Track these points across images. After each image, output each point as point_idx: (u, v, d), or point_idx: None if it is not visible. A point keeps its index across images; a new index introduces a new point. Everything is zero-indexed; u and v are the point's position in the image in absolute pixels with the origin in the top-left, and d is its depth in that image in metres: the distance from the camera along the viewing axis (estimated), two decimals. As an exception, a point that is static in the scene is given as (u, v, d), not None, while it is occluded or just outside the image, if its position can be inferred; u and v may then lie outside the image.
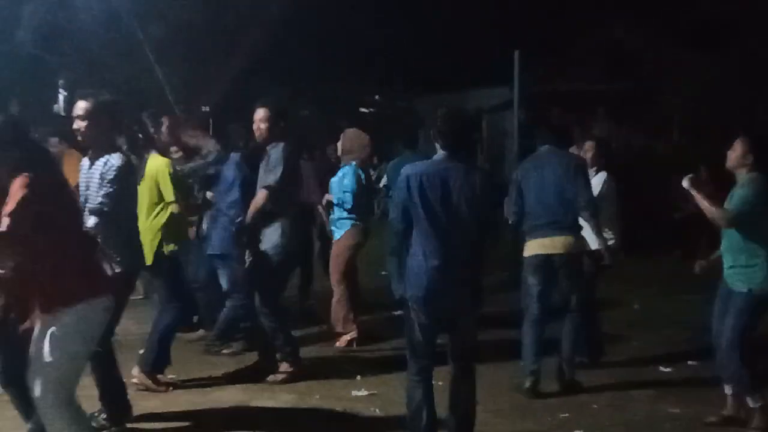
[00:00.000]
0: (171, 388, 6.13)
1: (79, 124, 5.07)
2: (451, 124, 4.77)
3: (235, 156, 7.17)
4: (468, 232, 4.67)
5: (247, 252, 6.26)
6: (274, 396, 6.09)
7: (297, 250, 6.61)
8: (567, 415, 5.73)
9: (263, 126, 6.32)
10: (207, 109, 20.39)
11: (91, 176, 5.11)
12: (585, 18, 17.74)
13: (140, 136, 6.47)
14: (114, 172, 4.99)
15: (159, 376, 6.13)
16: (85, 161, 5.23)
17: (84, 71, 19.25)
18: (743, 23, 15.76)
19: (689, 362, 6.88)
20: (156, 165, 6.37)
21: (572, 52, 18.30)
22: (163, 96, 17.84)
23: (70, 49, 18.87)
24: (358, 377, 6.45)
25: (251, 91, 18.77)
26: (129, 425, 5.28)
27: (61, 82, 22.13)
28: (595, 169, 6.80)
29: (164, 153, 6.65)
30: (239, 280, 6.75)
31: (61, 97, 23.74)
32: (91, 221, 4.92)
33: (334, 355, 7.18)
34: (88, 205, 5.07)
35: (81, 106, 5.07)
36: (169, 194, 6.32)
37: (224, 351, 6.96)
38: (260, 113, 6.33)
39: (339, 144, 7.65)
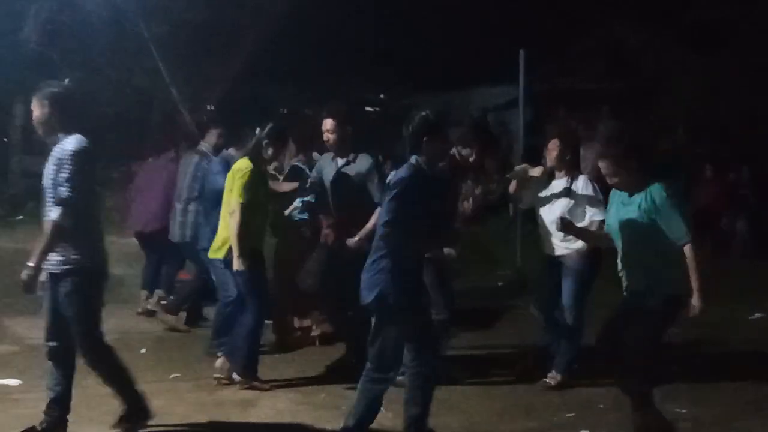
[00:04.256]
0: (273, 386, 6.23)
1: (35, 114, 5.05)
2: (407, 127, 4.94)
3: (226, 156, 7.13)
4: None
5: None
6: (282, 395, 6.11)
7: None
8: (572, 414, 5.72)
9: (332, 136, 6.38)
10: (212, 107, 20.39)
11: (49, 163, 4.94)
12: (587, 16, 17.72)
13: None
14: (69, 158, 4.81)
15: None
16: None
17: (88, 69, 19.27)
18: (744, 23, 15.76)
19: (698, 361, 6.86)
20: (236, 166, 6.33)
21: (575, 50, 18.29)
22: (167, 94, 17.85)
23: (74, 47, 18.87)
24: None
25: (255, 90, 18.81)
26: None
27: (66, 80, 22.16)
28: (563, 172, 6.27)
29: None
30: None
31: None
32: (53, 213, 4.78)
33: (341, 353, 7.17)
34: (48, 195, 4.91)
35: (34, 99, 5.05)
36: (236, 196, 6.22)
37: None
38: (328, 124, 6.38)
39: None
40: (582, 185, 6.21)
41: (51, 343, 5.10)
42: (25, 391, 6.07)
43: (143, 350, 7.24)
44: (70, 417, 5.25)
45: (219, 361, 6.35)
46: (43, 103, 4.97)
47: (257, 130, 6.39)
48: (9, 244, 13.75)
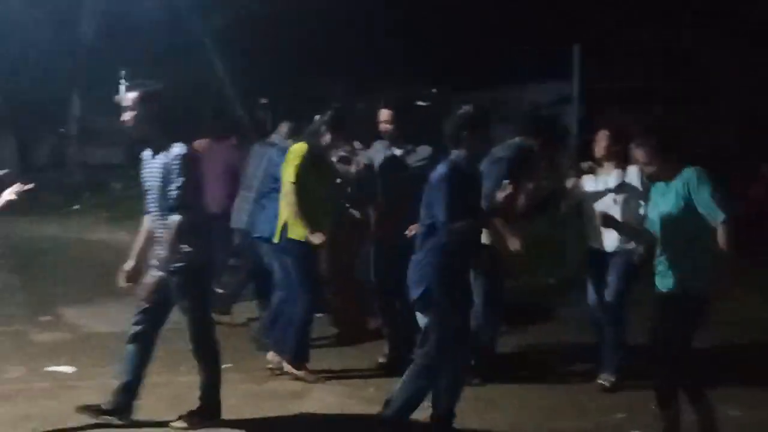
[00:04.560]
0: (323, 378, 6.27)
1: (126, 116, 5.09)
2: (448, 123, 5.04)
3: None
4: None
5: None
6: (328, 387, 6.14)
7: None
8: (623, 415, 5.67)
9: (390, 126, 6.42)
10: (265, 101, 20.54)
11: (153, 167, 5.10)
12: (642, 13, 17.49)
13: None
14: (179, 163, 4.97)
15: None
16: (147, 152, 5.21)
17: (144, 63, 19.52)
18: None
19: (752, 363, 6.75)
20: (293, 149, 6.38)
21: (629, 47, 18.07)
22: (222, 88, 18.03)
23: (131, 42, 19.14)
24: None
25: (309, 84, 18.91)
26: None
27: (122, 73, 22.47)
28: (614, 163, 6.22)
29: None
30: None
31: (122, 89, 24.09)
32: (173, 218, 4.96)
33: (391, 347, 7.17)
34: (150, 195, 5.11)
35: (128, 97, 5.10)
36: (287, 177, 6.25)
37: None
38: (384, 114, 6.42)
39: None
40: (634, 177, 6.13)
41: (138, 327, 5.27)
42: (79, 379, 6.20)
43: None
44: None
45: (271, 353, 6.40)
46: (138, 104, 5.05)
47: (317, 117, 6.41)
48: (66, 234, 14.00)
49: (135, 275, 5.23)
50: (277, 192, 6.57)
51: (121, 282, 5.23)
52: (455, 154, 4.99)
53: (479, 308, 5.95)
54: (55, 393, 5.83)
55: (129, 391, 5.29)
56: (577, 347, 6.98)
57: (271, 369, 6.36)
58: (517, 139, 6.34)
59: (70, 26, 18.71)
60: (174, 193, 4.96)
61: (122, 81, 23.17)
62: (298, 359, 6.29)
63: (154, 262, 5.13)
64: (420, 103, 21.50)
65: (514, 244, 6.00)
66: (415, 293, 4.93)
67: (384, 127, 6.47)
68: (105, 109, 22.87)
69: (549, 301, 9.16)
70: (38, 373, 5.94)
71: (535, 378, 6.49)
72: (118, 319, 8.04)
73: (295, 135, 6.97)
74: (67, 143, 21.25)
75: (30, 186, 5.07)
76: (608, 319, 6.19)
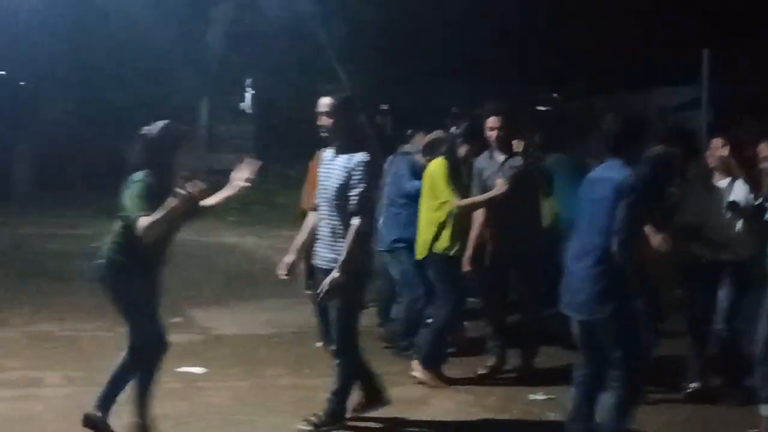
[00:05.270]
0: (446, 385, 6.31)
1: (323, 121, 5.27)
2: (608, 129, 4.83)
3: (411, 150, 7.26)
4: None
5: None
6: (452, 395, 6.16)
7: None
8: (756, 430, 5.50)
9: (497, 133, 6.46)
10: (385, 107, 20.70)
11: (333, 168, 5.27)
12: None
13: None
14: (362, 168, 5.14)
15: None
16: (328, 153, 5.39)
17: (269, 71, 20.00)
18: None
19: None
20: (433, 167, 6.51)
21: (762, 52, 17.41)
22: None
23: (256, 50, 19.61)
24: (537, 381, 6.42)
25: (429, 90, 18.97)
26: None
27: (247, 81, 23.06)
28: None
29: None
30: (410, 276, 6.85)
31: (247, 96, 24.74)
32: (354, 222, 5.11)
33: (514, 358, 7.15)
34: (323, 194, 5.28)
35: (325, 103, 5.27)
36: (444, 194, 6.38)
37: (411, 353, 6.78)
38: (493, 121, 6.47)
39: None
40: (741, 190, 5.91)
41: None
42: (209, 380, 6.38)
43: (319, 344, 7.45)
44: (249, 407, 5.51)
45: (415, 362, 6.46)
46: (336, 110, 5.24)
47: (452, 129, 6.47)
48: (193, 237, 14.37)
49: (294, 268, 5.44)
50: (399, 205, 6.70)
51: (281, 274, 5.43)
52: (617, 162, 4.76)
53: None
54: (186, 393, 6.01)
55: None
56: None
57: (414, 376, 6.39)
58: (658, 148, 6.13)
59: (197, 37, 19.31)
60: (355, 198, 5.12)
61: (247, 89, 23.81)
62: (430, 363, 6.35)
63: (321, 261, 5.29)
64: (540, 108, 21.34)
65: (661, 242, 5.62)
66: (598, 310, 4.67)
67: (491, 134, 6.48)
68: (231, 117, 23.61)
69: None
70: (170, 373, 6.13)
71: (661, 391, 6.33)
72: (247, 322, 8.34)
73: (431, 150, 7.05)
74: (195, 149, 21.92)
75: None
76: (724, 333, 6.01)
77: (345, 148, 5.24)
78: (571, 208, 5.28)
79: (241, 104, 24.71)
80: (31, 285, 9.61)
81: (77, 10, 17.19)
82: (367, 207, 5.18)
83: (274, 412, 5.63)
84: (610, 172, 4.75)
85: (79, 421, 4.89)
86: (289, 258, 5.43)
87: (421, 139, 7.49)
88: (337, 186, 5.17)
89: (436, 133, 7.31)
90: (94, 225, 15.29)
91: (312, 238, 5.41)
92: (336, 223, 5.20)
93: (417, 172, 6.89)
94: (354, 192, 5.12)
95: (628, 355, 4.69)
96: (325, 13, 18.39)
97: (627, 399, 4.75)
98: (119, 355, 4.94)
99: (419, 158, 7.00)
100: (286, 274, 5.40)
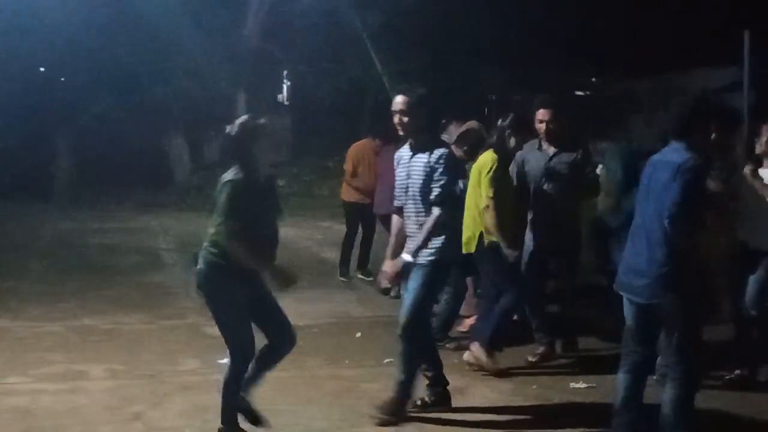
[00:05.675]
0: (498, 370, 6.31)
1: (400, 118, 5.32)
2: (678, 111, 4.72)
3: None
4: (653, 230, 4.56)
5: None
6: (492, 384, 6.13)
7: None
8: None
9: (548, 126, 6.47)
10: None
11: (414, 165, 5.33)
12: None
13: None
14: (443, 162, 5.21)
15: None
16: (405, 151, 5.45)
17: (305, 62, 20.02)
18: None
19: None
20: (482, 160, 6.44)
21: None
22: (380, 84, 18.24)
23: (293, 41, 19.64)
24: (578, 370, 6.39)
25: (465, 78, 18.87)
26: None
27: (284, 72, 23.11)
28: None
29: None
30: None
31: (284, 87, 24.81)
32: (435, 211, 5.20)
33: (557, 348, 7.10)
34: (406, 193, 5.36)
35: (400, 101, 5.31)
36: (485, 190, 6.32)
37: (447, 345, 6.85)
38: (544, 114, 6.47)
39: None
40: None
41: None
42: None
43: (358, 334, 7.47)
44: (290, 398, 5.53)
45: (475, 344, 6.43)
46: (413, 107, 5.29)
47: (499, 121, 6.42)
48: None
49: (397, 279, 5.52)
50: None
51: (384, 283, 5.64)
52: (681, 145, 4.60)
53: None
54: (228, 385, 6.04)
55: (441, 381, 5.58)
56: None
57: (470, 364, 6.37)
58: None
59: (235, 29, 19.38)
60: (437, 190, 5.22)
61: (285, 81, 23.84)
62: (490, 344, 6.33)
63: (405, 251, 5.35)
64: (579, 92, 21.12)
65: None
66: (662, 295, 4.53)
67: (541, 127, 6.43)
68: (268, 109, 23.67)
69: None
70: (211, 365, 6.18)
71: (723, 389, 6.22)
72: (290, 314, 8.33)
73: (464, 141, 7.00)
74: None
75: None
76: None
77: (423, 144, 5.30)
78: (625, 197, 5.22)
79: (279, 96, 24.78)
80: (74, 279, 9.73)
81: (114, 5, 17.35)
82: (449, 199, 5.26)
83: (315, 402, 5.65)
84: (671, 155, 4.60)
85: (122, 413, 4.90)
86: (387, 265, 5.46)
87: (455, 130, 7.46)
88: (421, 182, 5.26)
89: (470, 124, 7.29)
90: (135, 220, 15.53)
91: (400, 240, 5.47)
92: (424, 219, 5.28)
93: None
94: (437, 185, 5.21)
95: (686, 342, 4.56)
96: (360, 2, 18.37)
97: (688, 390, 4.64)
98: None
99: (455, 150, 6.92)
100: (389, 284, 5.47)
